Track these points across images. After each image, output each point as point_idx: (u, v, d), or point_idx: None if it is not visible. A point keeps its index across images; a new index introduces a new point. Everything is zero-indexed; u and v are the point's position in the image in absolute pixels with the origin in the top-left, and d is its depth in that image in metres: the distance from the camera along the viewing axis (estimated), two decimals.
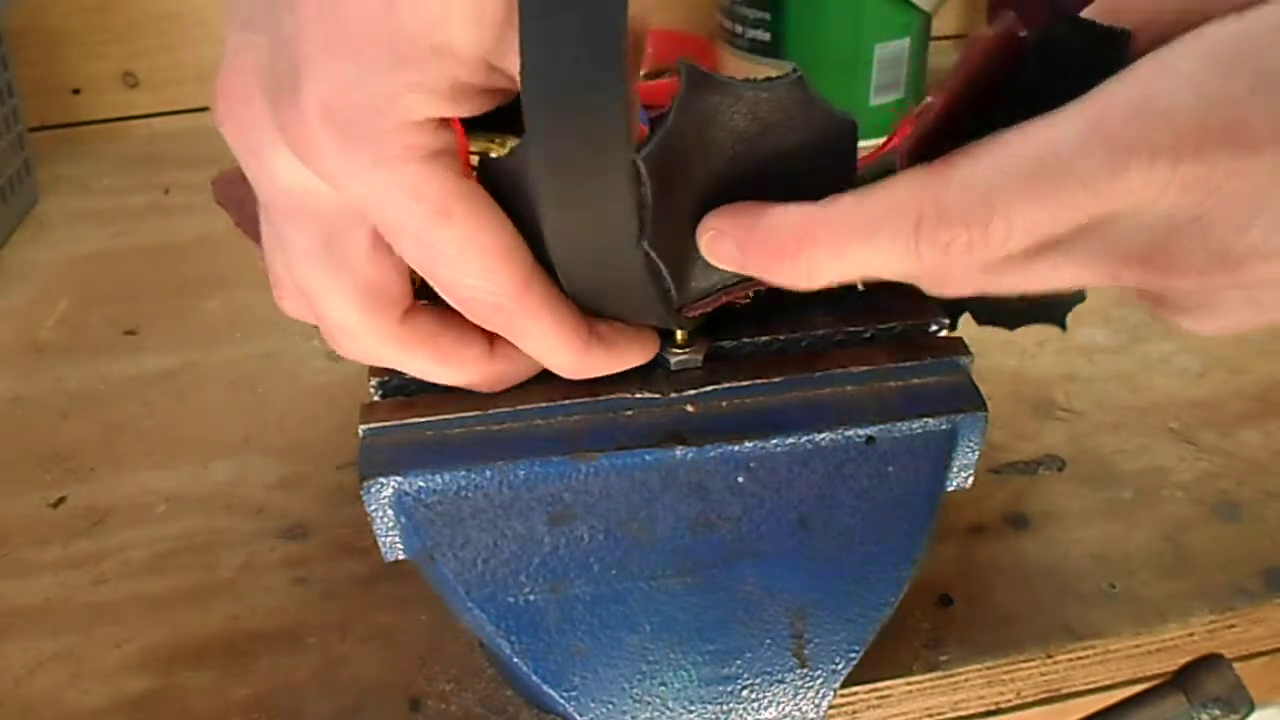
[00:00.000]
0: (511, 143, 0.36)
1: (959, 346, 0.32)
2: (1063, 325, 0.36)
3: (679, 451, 0.29)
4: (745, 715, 0.29)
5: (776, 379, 0.30)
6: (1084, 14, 0.25)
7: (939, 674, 0.33)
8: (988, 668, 0.34)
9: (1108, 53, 0.24)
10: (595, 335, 0.28)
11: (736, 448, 0.29)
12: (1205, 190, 0.21)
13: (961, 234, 0.22)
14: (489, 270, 0.25)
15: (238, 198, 0.29)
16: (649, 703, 0.28)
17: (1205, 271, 0.23)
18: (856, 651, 0.29)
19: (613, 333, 0.28)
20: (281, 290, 0.28)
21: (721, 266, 0.26)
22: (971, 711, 0.35)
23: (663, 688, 0.28)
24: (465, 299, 0.26)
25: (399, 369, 0.28)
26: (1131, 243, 0.23)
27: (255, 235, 0.28)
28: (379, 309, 0.26)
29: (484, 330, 0.27)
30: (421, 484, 0.28)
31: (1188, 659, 0.34)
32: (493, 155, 0.26)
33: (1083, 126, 0.22)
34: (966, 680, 0.34)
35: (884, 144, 0.27)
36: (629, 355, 0.29)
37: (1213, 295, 0.24)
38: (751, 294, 0.28)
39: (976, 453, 0.31)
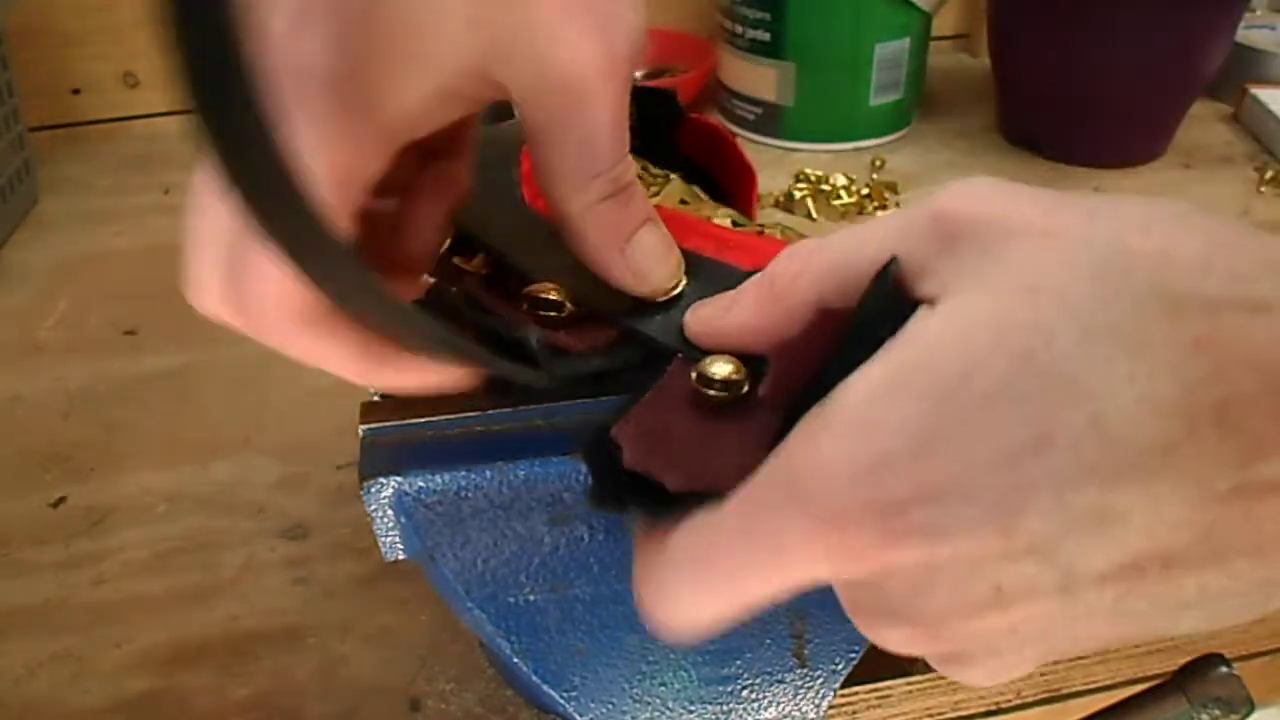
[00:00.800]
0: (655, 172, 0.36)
1: None
2: None
3: None
4: (745, 715, 0.29)
5: None
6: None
7: (939, 674, 0.33)
8: None
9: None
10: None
11: None
12: (864, 570, 0.19)
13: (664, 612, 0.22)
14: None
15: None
16: (649, 703, 0.28)
17: (908, 628, 0.20)
18: (856, 651, 0.29)
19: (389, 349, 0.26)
20: (200, 289, 0.26)
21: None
22: (971, 711, 0.35)
23: (663, 688, 0.28)
24: None
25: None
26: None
27: None
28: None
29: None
30: (421, 484, 0.28)
31: (1188, 659, 0.33)
32: None
33: (737, 511, 0.20)
34: None
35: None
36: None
37: (935, 650, 0.21)
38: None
39: None
